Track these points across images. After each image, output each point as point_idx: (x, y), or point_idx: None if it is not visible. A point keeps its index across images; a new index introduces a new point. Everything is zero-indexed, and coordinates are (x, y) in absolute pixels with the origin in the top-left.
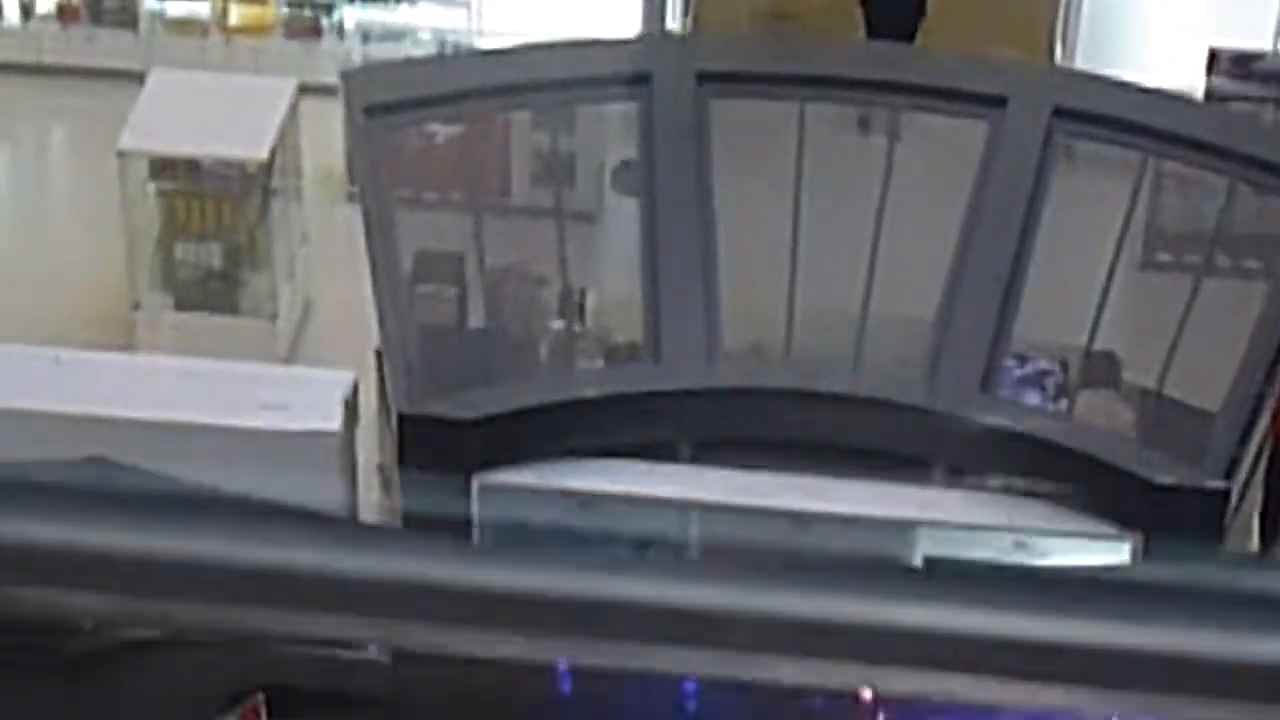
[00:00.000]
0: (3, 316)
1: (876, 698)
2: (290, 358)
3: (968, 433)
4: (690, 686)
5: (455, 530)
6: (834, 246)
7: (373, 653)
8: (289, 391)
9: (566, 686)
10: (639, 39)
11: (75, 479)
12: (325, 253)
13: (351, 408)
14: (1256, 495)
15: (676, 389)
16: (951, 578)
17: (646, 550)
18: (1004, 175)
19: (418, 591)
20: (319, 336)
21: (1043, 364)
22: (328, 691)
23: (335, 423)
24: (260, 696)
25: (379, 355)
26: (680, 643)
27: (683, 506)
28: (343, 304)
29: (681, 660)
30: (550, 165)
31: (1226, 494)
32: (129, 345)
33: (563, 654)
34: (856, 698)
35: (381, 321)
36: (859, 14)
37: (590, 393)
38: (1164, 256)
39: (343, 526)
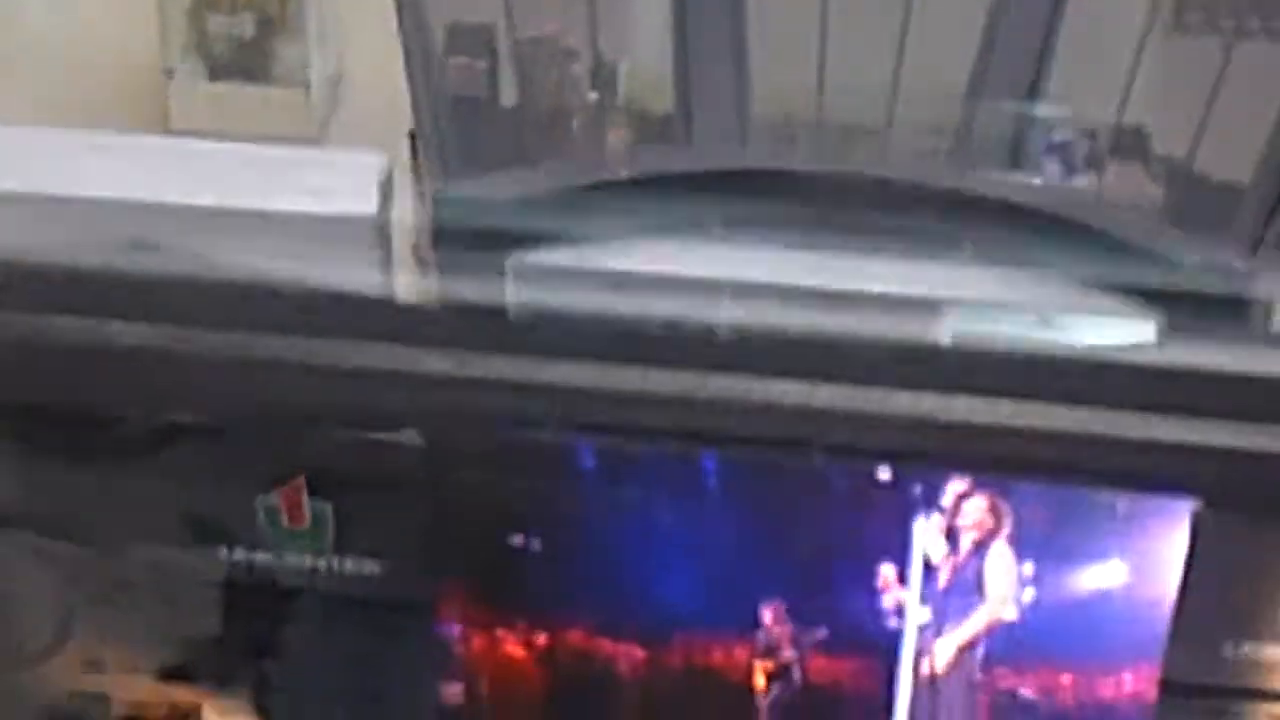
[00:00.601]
0: (33, 88)
1: (896, 478)
2: (323, 131)
3: (995, 210)
4: (711, 464)
5: (490, 311)
6: (865, 16)
7: (408, 436)
8: (323, 174)
9: (591, 464)
10: None
11: (114, 263)
12: (360, 23)
13: (387, 190)
14: None
15: (708, 169)
16: (978, 355)
17: (677, 330)
18: None
19: (453, 372)
20: (353, 109)
21: (1071, 136)
22: (364, 473)
23: (370, 205)
24: (301, 478)
25: (412, 137)
26: (706, 423)
27: (714, 286)
28: (377, 77)
29: (706, 438)
30: None
31: (1251, 273)
32: (162, 117)
33: (592, 434)
34: (875, 478)
35: (414, 97)
36: None
37: (623, 173)
38: (1195, 18)
39: (380, 307)
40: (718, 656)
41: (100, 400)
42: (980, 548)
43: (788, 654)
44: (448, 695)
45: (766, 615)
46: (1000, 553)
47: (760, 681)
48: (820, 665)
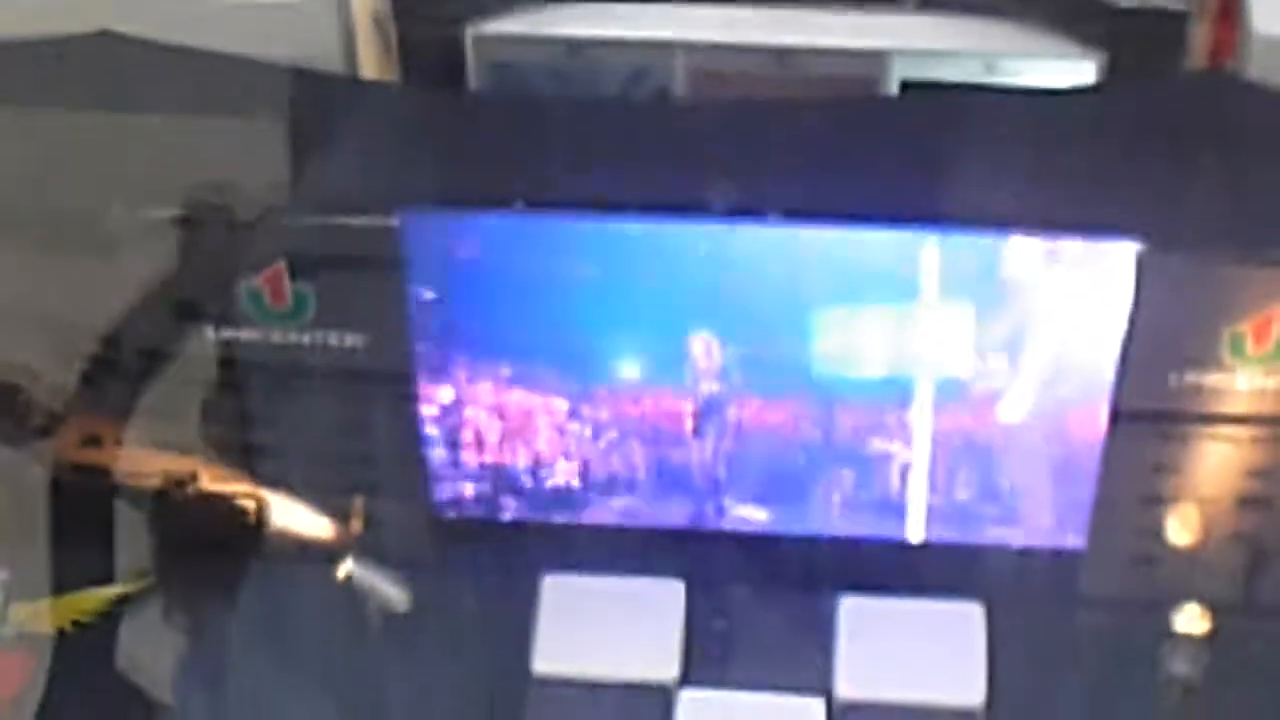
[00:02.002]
0: None
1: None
2: None
3: None
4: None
5: (452, 80)
6: None
7: (379, 219)
8: None
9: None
10: None
11: (84, 52)
12: None
13: None
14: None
15: None
16: (926, 100)
17: (635, 89)
18: None
19: (419, 144)
20: None
21: None
22: (341, 255)
23: None
24: (282, 262)
25: None
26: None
27: (669, 46)
28: None
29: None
30: None
31: (1186, 15)
32: None
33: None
34: None
35: None
36: None
37: None
38: None
39: (344, 82)
40: (646, 401)
41: (77, 196)
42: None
43: (718, 390)
44: (426, 456)
45: (695, 347)
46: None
47: (689, 425)
48: (755, 406)
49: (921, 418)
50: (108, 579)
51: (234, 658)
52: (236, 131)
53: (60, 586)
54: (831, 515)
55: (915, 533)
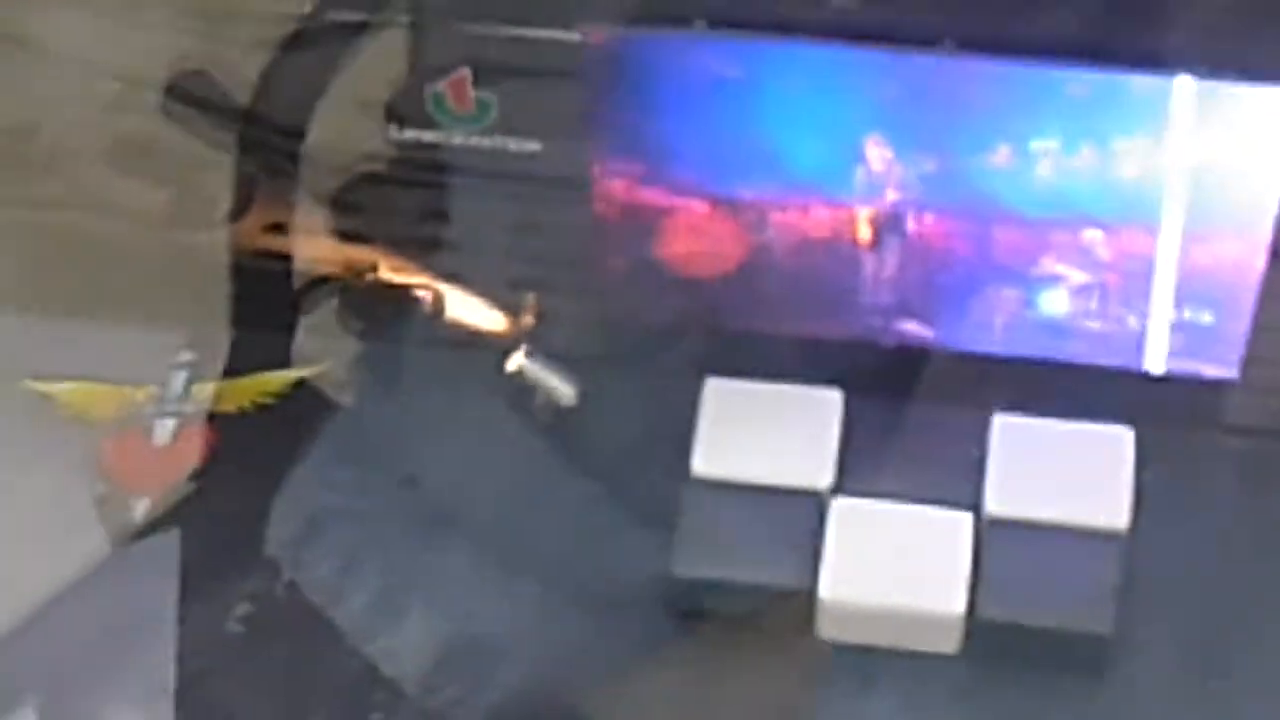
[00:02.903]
0: None
1: None
2: None
3: None
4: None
5: None
6: None
7: (567, 34)
8: None
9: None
10: None
11: None
12: None
13: None
14: None
15: None
16: None
17: None
18: None
19: None
20: None
21: None
22: (523, 66)
23: None
24: (466, 70)
25: None
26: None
27: None
28: None
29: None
30: None
31: None
32: None
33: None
34: None
35: None
36: None
37: None
38: None
39: None
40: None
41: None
42: None
43: (891, 201)
44: (599, 258)
45: (872, 156)
46: None
47: (865, 234)
48: (927, 221)
49: (1090, 242)
50: (285, 364)
51: (401, 446)
52: None
53: (240, 369)
54: (994, 334)
55: (1074, 355)
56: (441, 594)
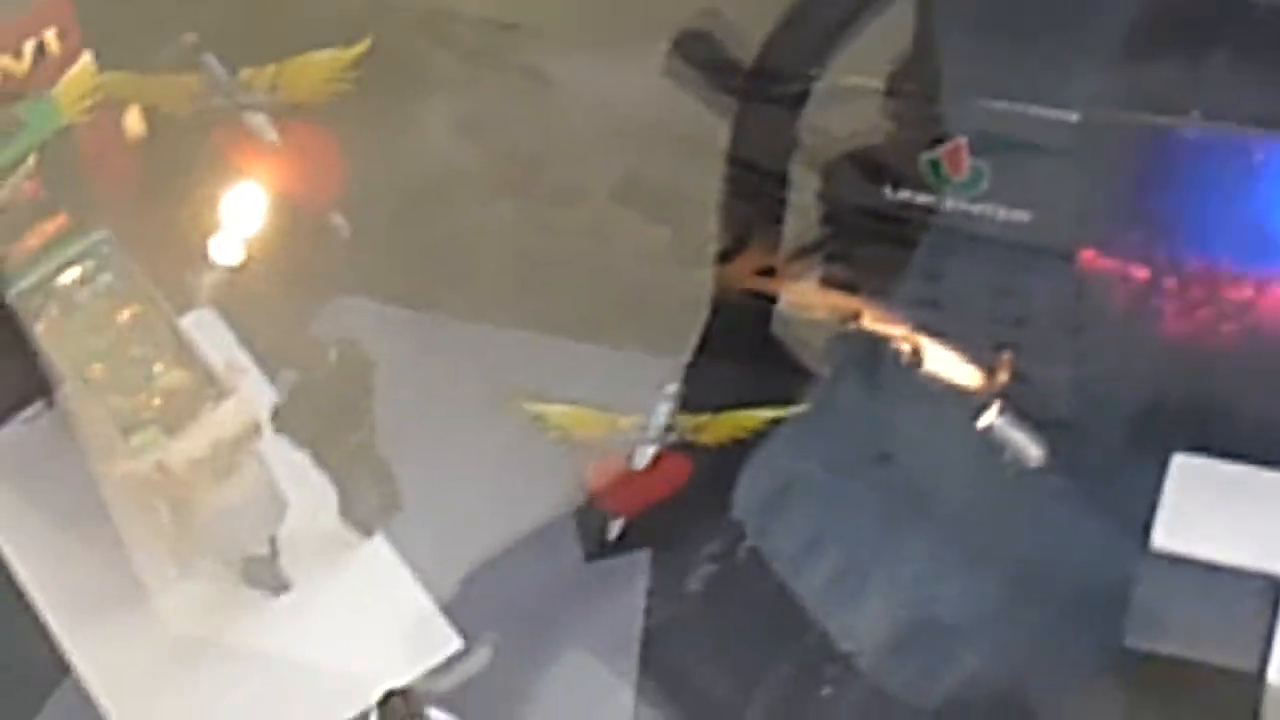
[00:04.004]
0: None
1: None
2: None
3: None
4: None
5: None
6: None
7: (1065, 114)
8: None
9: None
10: None
11: None
12: None
13: None
14: None
15: None
16: None
17: None
18: None
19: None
20: None
21: None
22: (1020, 141)
23: None
24: (964, 139)
25: None
26: None
27: None
28: None
29: None
30: None
31: None
32: None
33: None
34: None
35: None
36: None
37: None
38: None
39: None
40: None
41: (789, 60)
42: None
43: None
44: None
45: None
46: None
47: None
48: None
49: None
50: (762, 401)
51: (877, 424)
52: (937, 12)
53: (718, 404)
54: None
55: None
56: (904, 575)
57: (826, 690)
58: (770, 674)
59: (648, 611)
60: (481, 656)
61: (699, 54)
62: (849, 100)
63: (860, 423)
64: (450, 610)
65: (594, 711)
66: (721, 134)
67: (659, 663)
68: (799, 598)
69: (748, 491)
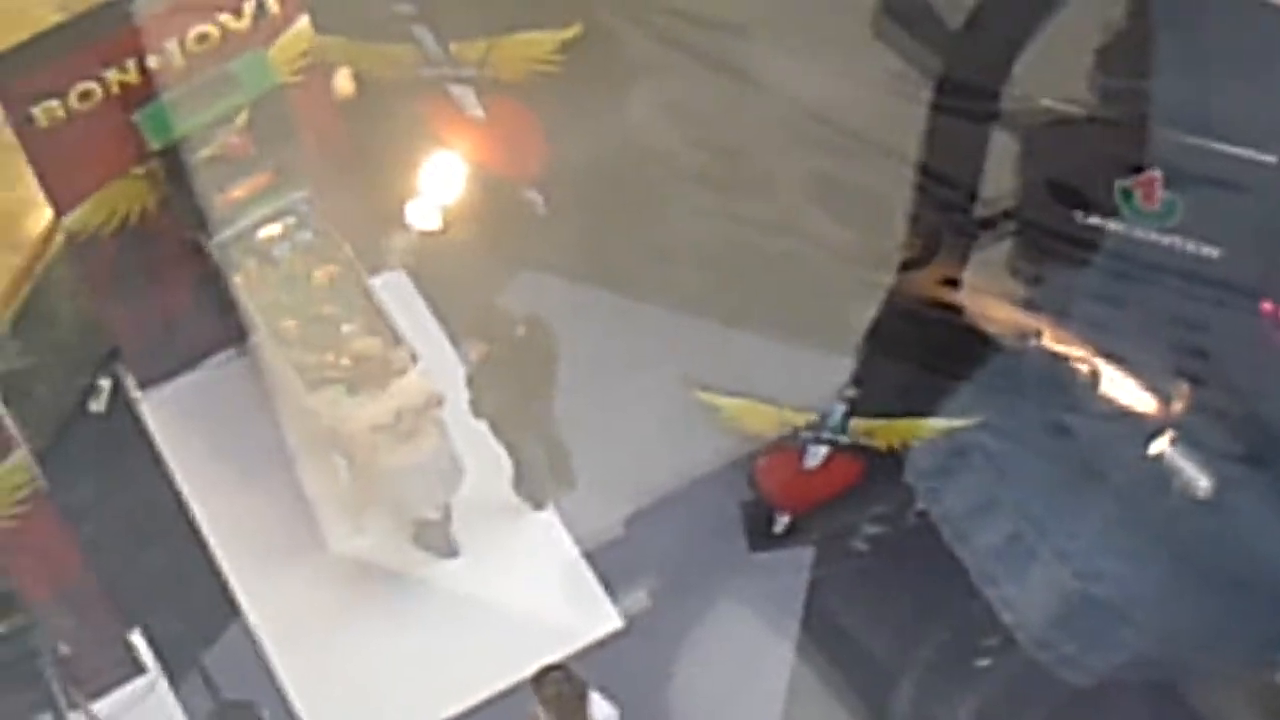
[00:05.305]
0: None
1: None
2: None
3: None
4: None
5: None
6: None
7: (1262, 155)
8: None
9: None
10: None
11: None
12: None
13: None
14: None
15: None
16: None
17: None
18: None
19: None
20: None
21: None
22: (1217, 178)
23: None
24: (1159, 172)
25: None
26: None
27: None
28: None
29: None
30: None
31: None
32: None
33: None
34: None
35: None
36: None
37: None
38: None
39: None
40: None
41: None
42: None
43: None
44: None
45: None
46: None
47: None
48: None
49: None
50: (935, 410)
51: (1053, 393)
52: (1152, 46)
53: (893, 410)
54: None
55: None
56: (1072, 549)
57: (983, 661)
58: (929, 640)
59: (813, 567)
60: (640, 600)
61: (907, 12)
62: (1048, 121)
63: (1042, 391)
64: (610, 552)
65: (751, 662)
66: (915, 142)
67: (819, 619)
68: (964, 565)
69: (920, 456)
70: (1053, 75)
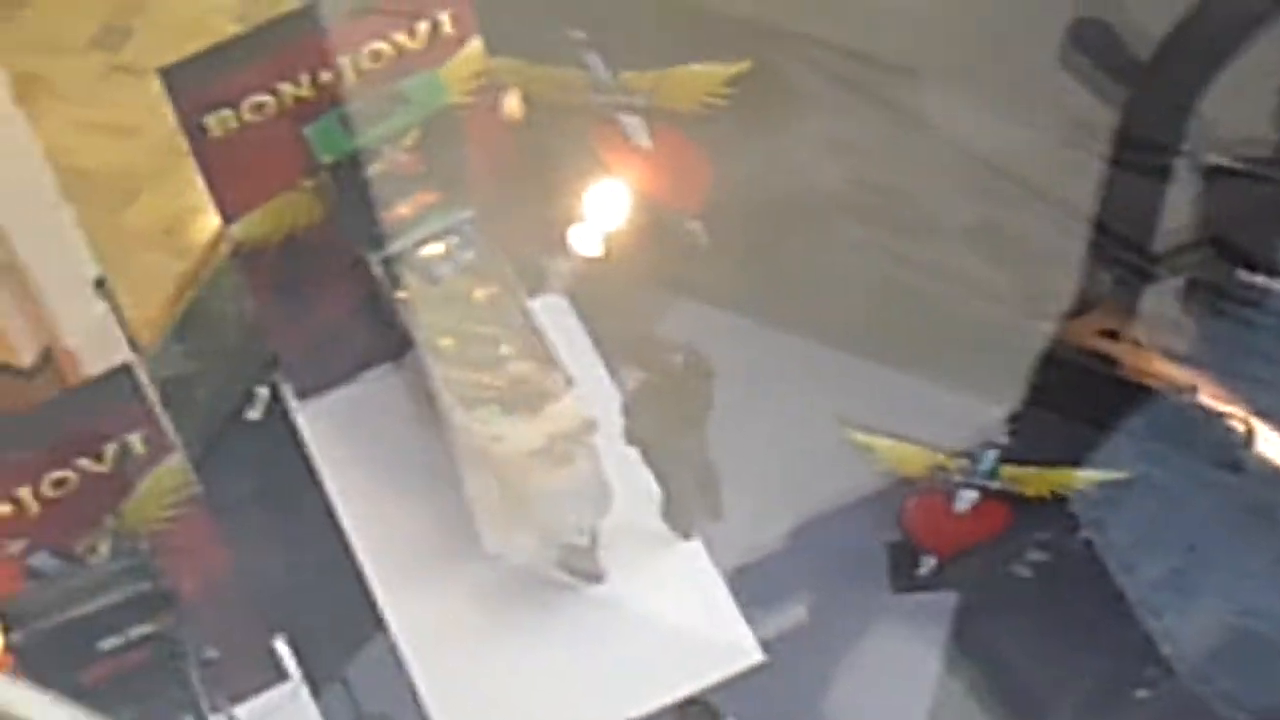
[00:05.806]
0: None
1: None
2: None
3: None
4: None
5: None
6: None
7: None
8: None
9: None
10: None
11: None
12: None
13: None
14: None
15: None
16: None
17: None
18: None
19: None
20: None
21: None
22: None
23: None
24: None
25: None
26: None
27: None
28: None
29: None
30: None
31: None
32: None
33: None
34: None
35: None
36: None
37: None
38: None
39: None
40: None
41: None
42: None
43: None
44: None
45: None
46: None
47: None
48: None
49: None
50: (1088, 461)
51: (1220, 429)
52: None
53: (1046, 458)
54: None
55: None
56: (1237, 585)
57: (1141, 693)
58: (1086, 668)
59: (972, 588)
60: (798, 614)
61: (1095, 42)
62: (1216, 175)
63: (1196, 447)
64: (754, 585)
65: (894, 697)
66: (1078, 192)
67: (973, 639)
68: (1126, 595)
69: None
70: (1231, 121)
